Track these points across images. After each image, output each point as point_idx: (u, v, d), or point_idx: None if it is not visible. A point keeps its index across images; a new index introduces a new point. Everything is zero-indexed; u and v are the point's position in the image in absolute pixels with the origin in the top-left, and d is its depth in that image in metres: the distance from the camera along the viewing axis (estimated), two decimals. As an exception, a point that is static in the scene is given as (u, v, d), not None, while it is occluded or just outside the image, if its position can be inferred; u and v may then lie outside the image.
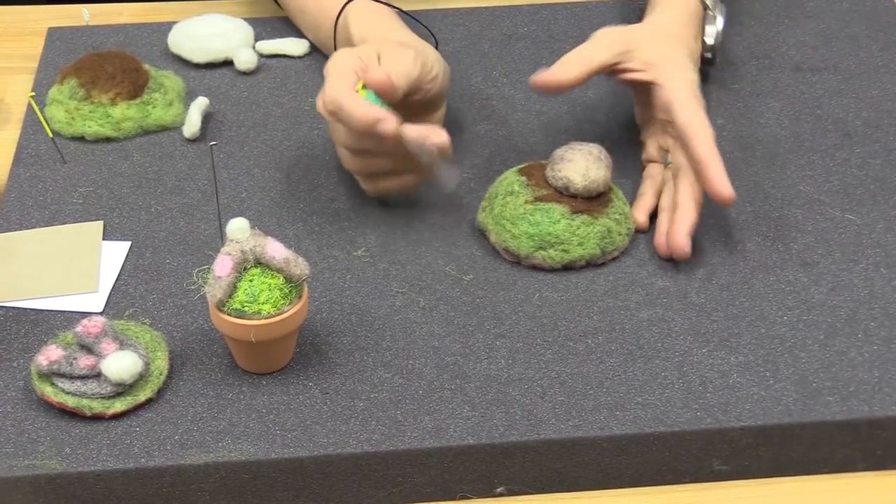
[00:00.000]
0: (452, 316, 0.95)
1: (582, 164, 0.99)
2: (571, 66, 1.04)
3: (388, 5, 1.13)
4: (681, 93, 1.02)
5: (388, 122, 0.96)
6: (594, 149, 1.00)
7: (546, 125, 1.14)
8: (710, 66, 1.16)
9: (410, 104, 1.03)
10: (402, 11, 1.15)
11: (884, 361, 0.92)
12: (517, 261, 0.99)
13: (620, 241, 1.00)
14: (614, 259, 1.00)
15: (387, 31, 1.09)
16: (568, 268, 0.99)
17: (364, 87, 0.98)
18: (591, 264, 0.99)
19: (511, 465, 0.87)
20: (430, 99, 1.05)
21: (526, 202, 0.99)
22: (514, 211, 0.99)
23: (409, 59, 1.01)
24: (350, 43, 1.10)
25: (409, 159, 0.99)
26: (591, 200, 1.00)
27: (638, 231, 1.02)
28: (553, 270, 0.99)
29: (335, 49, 1.14)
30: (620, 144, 1.09)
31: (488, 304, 0.96)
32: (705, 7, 1.12)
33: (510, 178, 1.02)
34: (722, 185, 0.98)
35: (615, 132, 1.12)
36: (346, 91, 0.97)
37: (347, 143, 1.01)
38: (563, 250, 0.98)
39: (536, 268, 0.99)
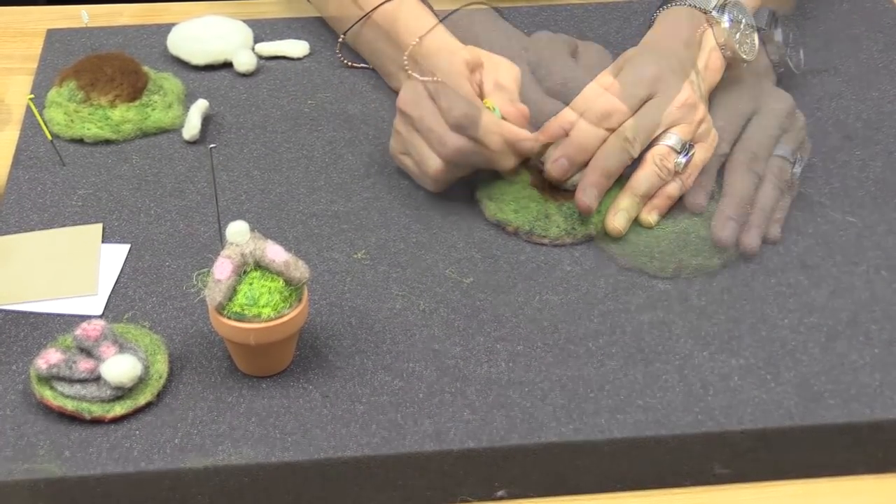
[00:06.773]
0: (453, 319, 0.95)
1: None
2: None
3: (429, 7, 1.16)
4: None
5: (531, 141, 1.01)
6: None
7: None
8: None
9: None
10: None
11: (885, 364, 0.92)
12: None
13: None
14: (612, 258, 1.00)
15: (443, 32, 1.10)
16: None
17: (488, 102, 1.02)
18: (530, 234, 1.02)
19: (512, 468, 0.87)
20: None
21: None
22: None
23: (518, 73, 1.04)
24: (395, 32, 1.12)
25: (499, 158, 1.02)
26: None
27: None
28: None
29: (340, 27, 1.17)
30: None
31: (489, 307, 0.96)
32: (705, 11, 1.11)
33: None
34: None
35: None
36: (482, 107, 0.99)
37: (451, 157, 1.01)
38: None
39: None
